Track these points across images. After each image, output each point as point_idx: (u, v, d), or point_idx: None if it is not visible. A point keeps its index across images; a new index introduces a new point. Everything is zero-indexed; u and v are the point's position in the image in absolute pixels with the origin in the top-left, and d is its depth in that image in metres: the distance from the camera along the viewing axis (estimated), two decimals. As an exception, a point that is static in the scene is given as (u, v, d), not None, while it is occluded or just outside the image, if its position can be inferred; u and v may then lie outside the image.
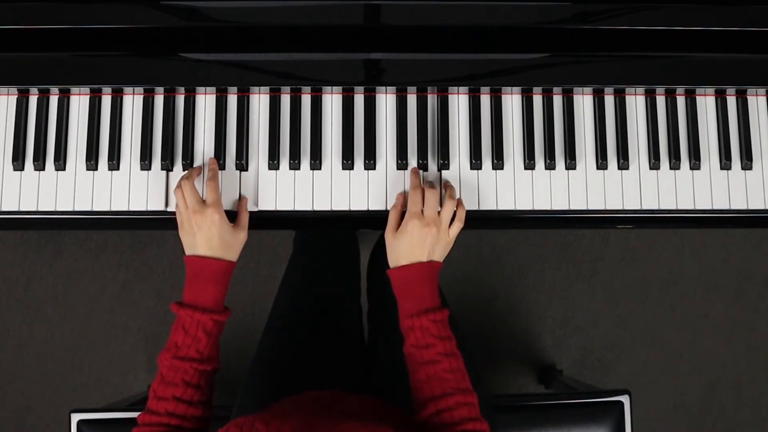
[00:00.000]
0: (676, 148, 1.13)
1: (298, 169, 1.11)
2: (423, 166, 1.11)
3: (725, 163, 1.13)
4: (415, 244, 1.01)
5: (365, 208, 1.11)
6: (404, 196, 1.08)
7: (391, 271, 1.03)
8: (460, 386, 0.95)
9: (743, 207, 1.13)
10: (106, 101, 1.12)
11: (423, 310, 0.99)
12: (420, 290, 1.00)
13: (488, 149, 1.12)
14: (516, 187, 1.12)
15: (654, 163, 1.12)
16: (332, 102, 1.13)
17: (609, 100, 1.14)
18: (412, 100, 1.13)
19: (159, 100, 1.13)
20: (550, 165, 1.12)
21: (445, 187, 1.09)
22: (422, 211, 1.03)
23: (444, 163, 1.11)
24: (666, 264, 2.00)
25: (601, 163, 1.12)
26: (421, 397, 0.96)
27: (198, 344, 0.98)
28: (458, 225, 1.05)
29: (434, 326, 0.98)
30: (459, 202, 1.07)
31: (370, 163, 1.11)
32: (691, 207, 1.12)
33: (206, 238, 1.01)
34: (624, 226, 1.16)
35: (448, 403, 0.93)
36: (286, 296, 1.28)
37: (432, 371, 0.96)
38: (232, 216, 1.08)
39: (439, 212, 1.04)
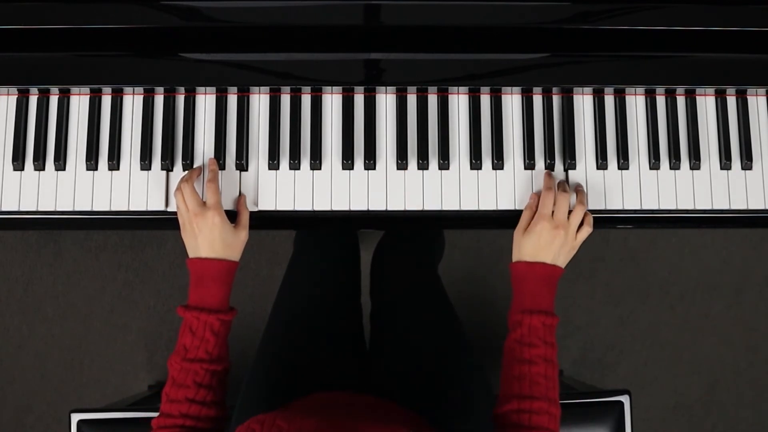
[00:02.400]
0: (676, 148, 1.13)
1: (298, 169, 1.11)
2: (423, 166, 1.11)
3: (725, 163, 1.13)
4: (542, 246, 1.02)
5: (365, 208, 1.11)
6: (538, 197, 1.08)
7: (514, 264, 1.04)
8: (549, 394, 0.96)
9: (743, 207, 1.13)
10: (106, 101, 1.12)
11: (537, 310, 1.00)
12: (538, 290, 1.02)
13: (488, 149, 1.12)
14: (516, 187, 1.12)
15: (654, 163, 1.12)
16: (332, 102, 1.13)
17: (609, 100, 1.14)
18: (412, 100, 1.13)
19: (159, 100, 1.13)
20: (550, 165, 1.12)
21: (576, 191, 1.09)
22: (552, 213, 1.03)
23: (444, 163, 1.11)
24: (666, 264, 2.00)
25: (601, 163, 1.12)
26: (508, 392, 0.97)
27: (207, 345, 0.98)
28: (587, 230, 1.05)
29: (543, 329, 1.00)
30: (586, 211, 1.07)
31: (370, 163, 1.11)
32: (691, 207, 1.12)
33: (208, 240, 1.02)
34: (624, 226, 1.16)
35: (532, 406, 0.94)
36: (286, 296, 1.28)
37: (527, 371, 0.97)
38: (232, 215, 1.08)
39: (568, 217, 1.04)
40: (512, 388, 0.97)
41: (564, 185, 1.08)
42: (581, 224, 1.06)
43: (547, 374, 0.97)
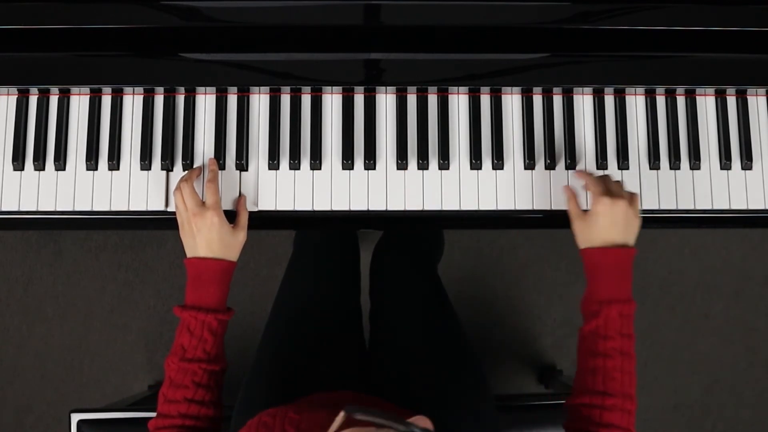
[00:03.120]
0: (676, 148, 1.13)
1: (298, 169, 1.11)
2: (423, 166, 1.11)
3: (725, 163, 1.13)
4: (609, 223, 0.99)
5: (365, 208, 1.11)
6: (571, 188, 1.07)
7: (584, 250, 1.01)
8: (624, 390, 0.93)
9: (743, 207, 1.13)
10: (106, 101, 1.12)
11: (613, 300, 0.97)
12: (613, 276, 0.98)
13: (488, 149, 1.12)
14: (516, 187, 1.12)
15: (654, 163, 1.12)
16: (332, 102, 1.13)
17: (609, 100, 1.14)
18: (412, 100, 1.13)
19: (159, 100, 1.12)
20: (550, 165, 1.12)
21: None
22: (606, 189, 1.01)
23: (444, 163, 1.11)
24: (666, 264, 2.00)
25: (601, 163, 1.12)
26: (582, 385, 0.95)
27: (205, 345, 0.99)
28: (635, 196, 1.02)
29: (619, 320, 0.96)
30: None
31: (370, 163, 1.11)
32: (691, 207, 1.12)
33: (206, 240, 1.01)
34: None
35: (605, 403, 0.92)
36: (286, 296, 1.28)
37: (601, 364, 0.94)
38: (232, 215, 1.08)
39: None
40: (586, 381, 0.95)
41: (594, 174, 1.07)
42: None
43: (623, 368, 0.94)
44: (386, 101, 1.13)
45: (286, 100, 1.13)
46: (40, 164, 1.11)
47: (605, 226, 0.99)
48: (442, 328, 1.22)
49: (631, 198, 1.01)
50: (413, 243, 1.37)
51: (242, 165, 1.11)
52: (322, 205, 1.11)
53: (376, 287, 1.35)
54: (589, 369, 0.95)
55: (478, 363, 1.19)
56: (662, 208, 1.12)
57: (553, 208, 1.11)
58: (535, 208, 1.11)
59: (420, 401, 1.10)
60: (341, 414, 0.64)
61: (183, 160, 1.11)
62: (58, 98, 1.12)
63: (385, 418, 0.62)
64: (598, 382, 0.94)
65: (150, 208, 1.10)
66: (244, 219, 1.07)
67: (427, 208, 1.11)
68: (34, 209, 1.10)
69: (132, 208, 1.10)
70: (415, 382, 1.14)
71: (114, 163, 1.11)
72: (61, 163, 1.11)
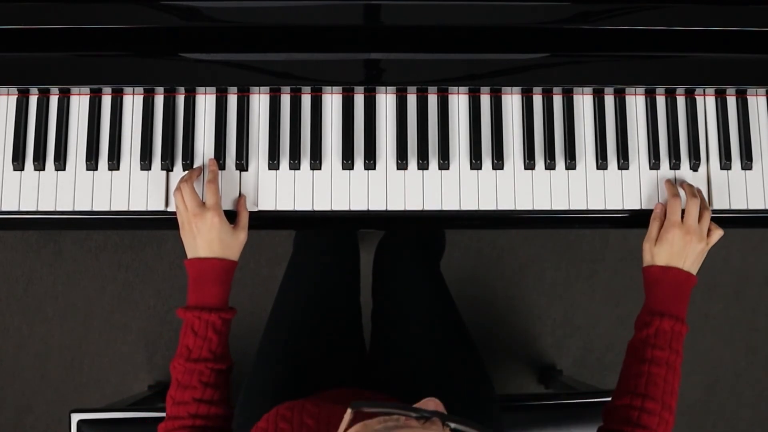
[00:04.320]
0: (676, 148, 1.13)
1: (298, 169, 1.11)
2: (423, 166, 1.11)
3: (725, 163, 1.13)
4: (675, 252, 1.02)
5: (365, 208, 1.11)
6: (663, 206, 1.08)
7: (647, 267, 1.05)
8: (665, 399, 0.94)
9: (743, 207, 1.13)
10: (106, 101, 1.12)
11: (667, 314, 0.99)
12: (671, 293, 1.01)
13: (488, 149, 1.12)
14: (516, 187, 1.12)
15: (654, 163, 1.12)
16: (332, 102, 1.13)
17: (609, 100, 1.14)
18: (412, 100, 1.13)
19: (159, 100, 1.12)
20: (550, 165, 1.12)
21: (699, 196, 1.08)
22: (682, 219, 1.04)
23: (444, 163, 1.11)
24: (666, 264, 2.00)
25: (601, 163, 1.12)
26: (624, 387, 0.96)
27: (210, 344, 0.98)
28: (718, 233, 1.06)
29: (671, 333, 0.98)
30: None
31: (370, 163, 1.11)
32: (691, 207, 1.12)
33: (206, 241, 1.02)
34: (624, 226, 1.16)
35: (644, 405, 0.93)
36: (286, 296, 1.28)
37: (646, 369, 0.96)
38: (232, 215, 1.08)
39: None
40: (628, 384, 0.96)
41: (692, 189, 1.08)
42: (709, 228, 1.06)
43: (667, 378, 0.96)
44: (386, 101, 1.13)
45: (286, 100, 1.13)
46: (40, 164, 1.11)
47: (672, 253, 1.03)
48: (446, 325, 1.22)
49: (704, 238, 1.04)
50: (415, 242, 1.37)
51: (242, 165, 1.11)
52: (322, 205, 1.11)
53: (379, 286, 1.35)
54: (633, 373, 0.97)
55: (481, 361, 1.20)
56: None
57: (553, 207, 1.11)
58: (535, 208, 1.11)
59: (423, 399, 1.10)
60: (348, 411, 0.64)
61: (183, 160, 1.11)
62: (58, 98, 1.12)
63: (393, 407, 0.62)
64: (641, 384, 0.95)
65: (150, 208, 1.10)
66: (244, 219, 1.07)
67: (427, 208, 1.11)
68: (34, 209, 1.10)
69: (132, 208, 1.10)
70: (419, 380, 1.14)
71: (114, 163, 1.11)
72: (61, 163, 1.11)
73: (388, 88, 1.12)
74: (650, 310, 1.01)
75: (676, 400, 0.96)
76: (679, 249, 1.02)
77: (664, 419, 0.94)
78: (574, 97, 1.14)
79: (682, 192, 1.09)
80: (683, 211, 1.06)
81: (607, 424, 0.96)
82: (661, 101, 1.14)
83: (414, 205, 1.11)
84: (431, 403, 0.67)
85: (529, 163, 1.12)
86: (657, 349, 0.97)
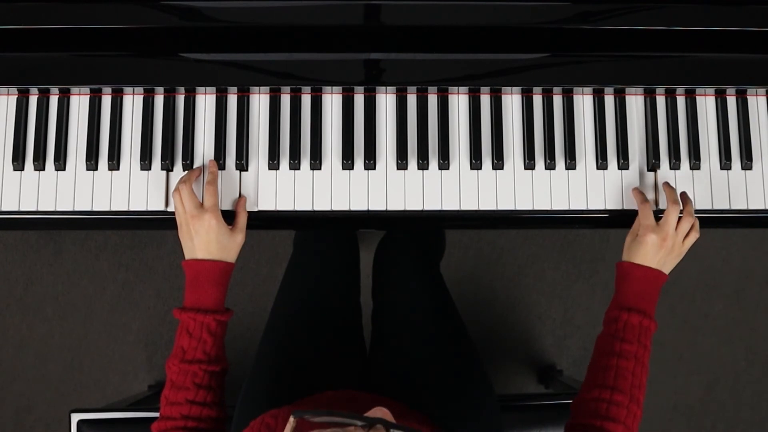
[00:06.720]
0: (676, 149, 1.13)
1: (298, 169, 1.11)
2: (423, 166, 1.11)
3: (725, 163, 1.13)
4: (648, 253, 1.03)
5: (365, 208, 1.11)
6: (642, 197, 1.09)
7: (619, 263, 1.06)
8: (633, 393, 0.95)
9: (743, 207, 1.13)
10: (106, 101, 1.12)
11: (635, 309, 1.00)
12: (640, 290, 1.01)
13: (488, 149, 1.12)
14: (516, 187, 1.12)
15: (654, 163, 1.12)
16: (332, 102, 1.13)
17: (609, 100, 1.14)
18: (412, 100, 1.13)
19: (159, 100, 1.13)
20: (550, 165, 1.12)
21: (682, 200, 1.08)
22: (657, 223, 1.04)
23: (444, 163, 1.11)
24: (666, 264, 2.00)
25: (601, 163, 1.12)
26: (593, 380, 0.96)
27: (204, 346, 0.99)
28: (694, 236, 1.06)
29: (639, 328, 0.99)
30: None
31: (370, 163, 1.11)
32: (691, 207, 1.12)
33: (204, 242, 1.02)
34: (624, 226, 1.16)
35: (612, 397, 0.94)
36: (286, 296, 1.28)
37: (614, 363, 0.96)
38: (231, 216, 1.08)
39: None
40: (597, 377, 0.96)
41: (674, 194, 1.07)
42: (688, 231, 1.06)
43: (635, 372, 0.96)
44: (386, 101, 1.13)
45: (286, 100, 1.13)
46: (40, 164, 1.11)
47: (645, 253, 1.03)
48: (446, 326, 1.22)
49: (680, 243, 1.04)
50: (415, 242, 1.37)
51: (242, 165, 1.11)
52: (322, 205, 1.11)
53: (379, 286, 1.35)
54: (601, 366, 0.97)
55: (480, 362, 1.20)
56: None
57: (553, 207, 1.11)
58: (535, 208, 1.11)
59: (424, 400, 1.10)
60: (291, 419, 0.63)
61: (183, 160, 1.11)
62: (58, 98, 1.12)
63: (339, 416, 0.62)
64: (609, 377, 0.95)
65: (150, 208, 1.10)
66: (242, 221, 1.07)
67: (427, 208, 1.11)
68: (34, 209, 1.10)
69: (132, 208, 1.10)
70: (418, 381, 1.14)
71: (114, 163, 1.11)
72: (61, 163, 1.11)
73: (388, 88, 1.12)
74: (619, 304, 1.01)
75: (643, 395, 0.96)
76: (653, 253, 1.03)
77: (632, 412, 0.94)
78: (574, 97, 1.14)
79: (653, 196, 1.10)
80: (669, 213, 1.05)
81: (575, 418, 0.96)
82: (661, 101, 1.14)
83: (414, 205, 1.11)
84: (379, 412, 0.67)
85: (529, 163, 1.12)
86: (626, 342, 0.97)
